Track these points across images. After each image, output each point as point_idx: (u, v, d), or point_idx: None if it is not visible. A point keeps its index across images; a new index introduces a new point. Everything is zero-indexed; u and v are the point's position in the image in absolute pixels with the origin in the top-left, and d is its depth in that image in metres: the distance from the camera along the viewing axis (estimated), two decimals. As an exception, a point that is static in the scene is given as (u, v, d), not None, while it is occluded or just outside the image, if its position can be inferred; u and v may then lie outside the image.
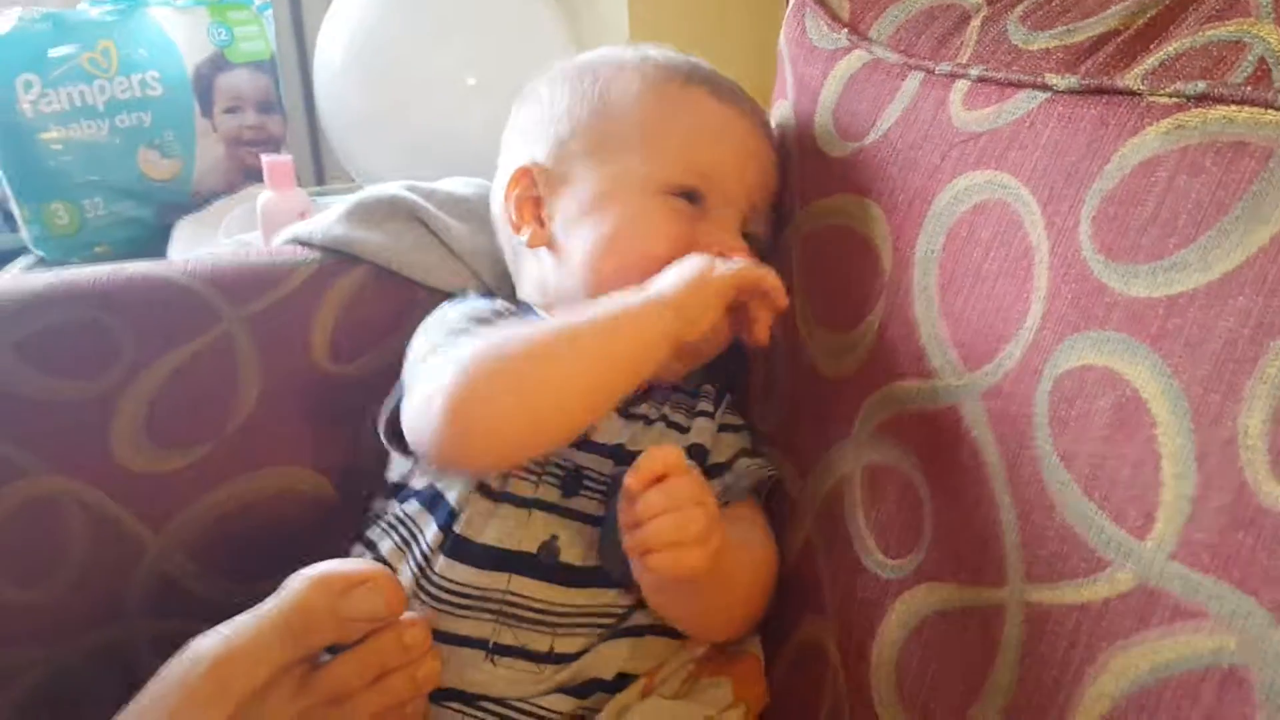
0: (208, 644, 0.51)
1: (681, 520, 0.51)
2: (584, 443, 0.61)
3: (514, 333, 0.56)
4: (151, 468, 0.67)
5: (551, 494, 0.60)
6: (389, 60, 1.16)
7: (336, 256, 0.73)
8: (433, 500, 0.61)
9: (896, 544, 0.53)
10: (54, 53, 1.21)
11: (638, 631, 0.59)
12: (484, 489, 0.60)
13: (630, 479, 0.51)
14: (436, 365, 0.56)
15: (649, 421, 0.64)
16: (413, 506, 0.61)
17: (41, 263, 1.26)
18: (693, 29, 1.19)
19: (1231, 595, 0.37)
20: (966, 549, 0.48)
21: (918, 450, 0.52)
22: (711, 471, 0.63)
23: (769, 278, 0.58)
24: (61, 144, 1.22)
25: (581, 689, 0.57)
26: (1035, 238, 0.48)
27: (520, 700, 0.56)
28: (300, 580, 0.52)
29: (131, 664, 0.68)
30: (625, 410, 0.63)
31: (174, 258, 1.12)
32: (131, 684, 0.68)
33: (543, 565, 0.58)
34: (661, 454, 0.52)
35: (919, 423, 0.52)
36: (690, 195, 0.63)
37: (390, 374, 0.63)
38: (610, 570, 0.58)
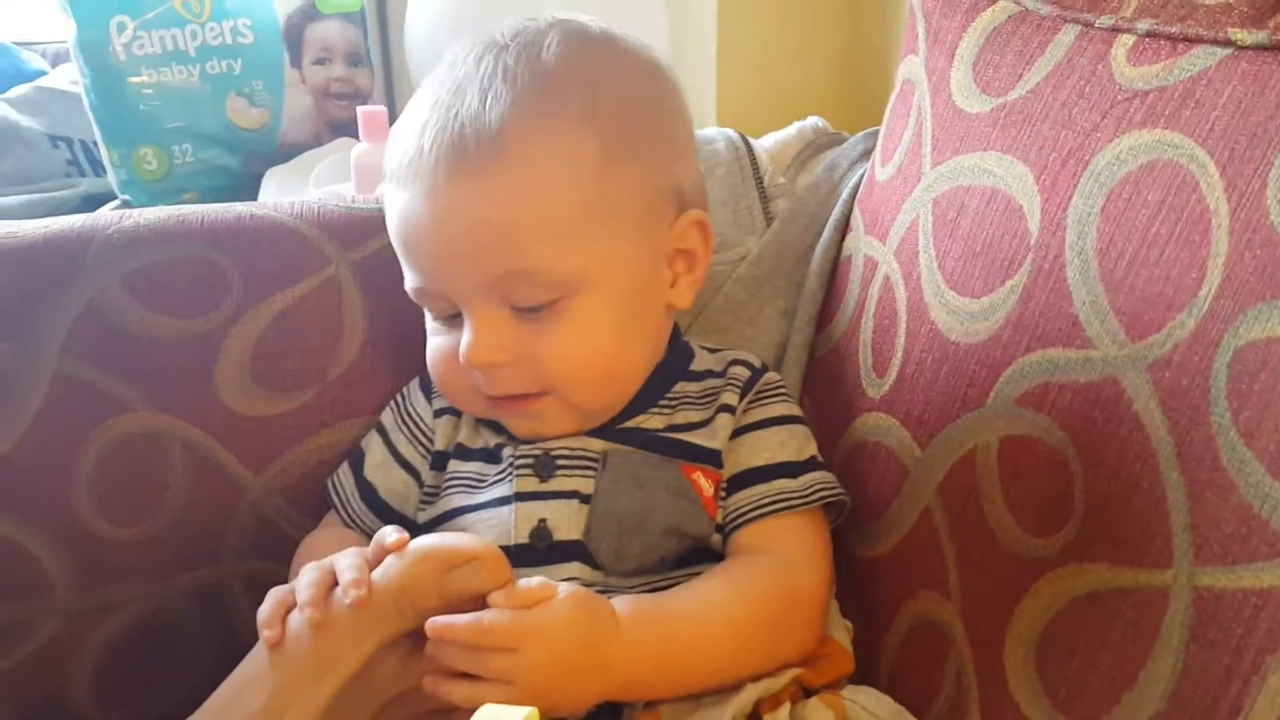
0: (297, 617, 0.49)
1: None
2: (552, 438, 0.60)
3: None
4: (255, 410, 0.67)
5: (529, 483, 0.59)
6: (483, 15, 1.14)
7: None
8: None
9: (1040, 521, 0.50)
10: (148, -4, 1.21)
11: None
12: (464, 510, 0.60)
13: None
14: None
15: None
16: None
17: (128, 207, 1.27)
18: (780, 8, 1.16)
19: None
20: (1125, 529, 0.45)
21: (1068, 423, 0.50)
22: (737, 483, 0.60)
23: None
24: (152, 88, 1.22)
25: None
26: (1213, 201, 0.45)
27: None
28: (408, 555, 0.50)
29: (226, 604, 0.69)
30: (613, 429, 0.61)
31: (263, 206, 1.12)
32: (225, 623, 0.69)
33: (537, 552, 0.56)
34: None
35: (1070, 394, 0.50)
36: (442, 306, 0.59)
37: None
38: (597, 551, 0.57)
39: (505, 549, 0.54)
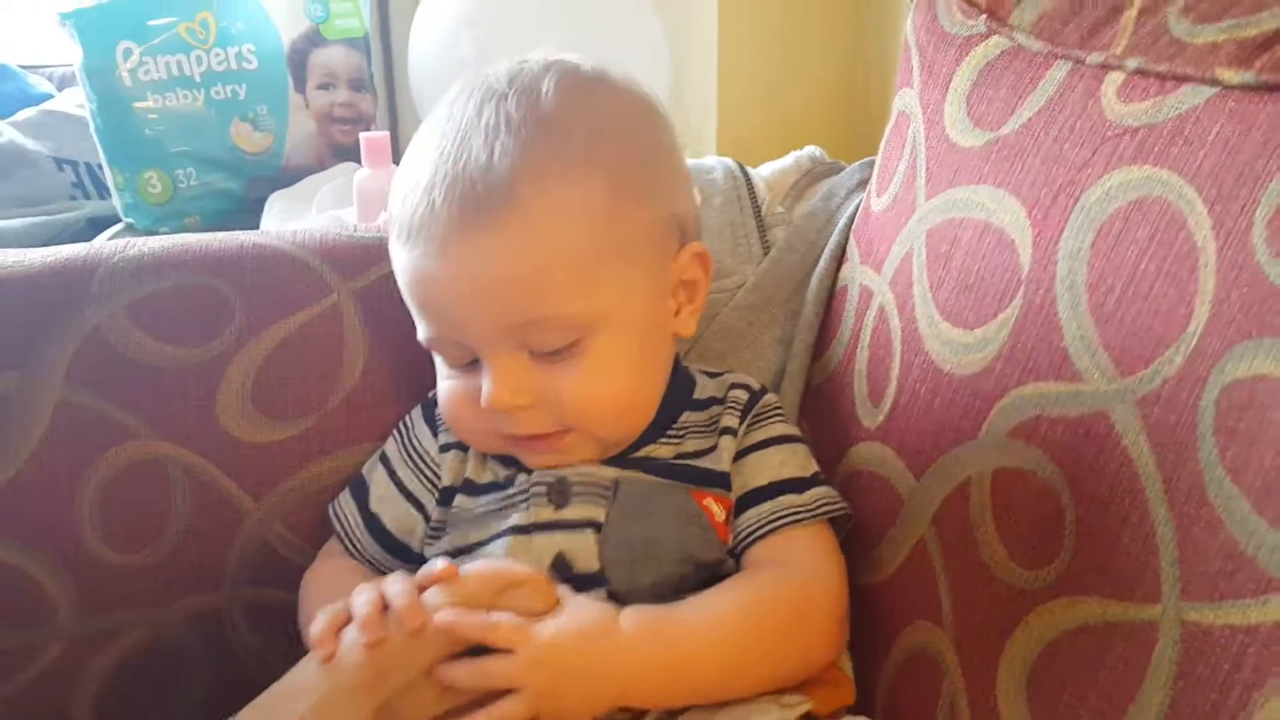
0: (352, 633, 0.51)
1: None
2: (564, 465, 0.61)
3: None
4: (256, 437, 0.67)
5: (544, 512, 0.59)
6: (486, 44, 1.15)
7: (444, 233, 0.73)
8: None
9: (1032, 553, 0.50)
10: (153, 22, 1.22)
11: None
12: (479, 544, 0.60)
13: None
14: None
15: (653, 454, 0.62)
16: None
17: (131, 230, 1.28)
18: (780, 16, 1.17)
19: None
20: (1115, 562, 0.46)
21: (1059, 456, 0.50)
22: (743, 504, 0.61)
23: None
24: (157, 113, 1.24)
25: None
26: (1201, 238, 0.46)
27: None
28: (464, 579, 0.52)
29: (226, 630, 0.69)
30: (625, 458, 0.62)
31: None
32: (225, 649, 0.69)
33: (560, 582, 0.56)
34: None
35: (1061, 427, 0.50)
36: (459, 354, 0.59)
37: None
38: (612, 579, 0.57)
39: None
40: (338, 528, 0.66)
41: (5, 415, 0.63)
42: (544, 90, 0.57)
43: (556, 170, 0.55)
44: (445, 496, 0.64)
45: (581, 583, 0.57)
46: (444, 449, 0.65)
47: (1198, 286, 0.45)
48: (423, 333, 0.60)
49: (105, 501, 0.65)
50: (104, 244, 0.69)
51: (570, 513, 0.59)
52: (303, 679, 0.51)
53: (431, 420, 0.67)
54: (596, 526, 0.58)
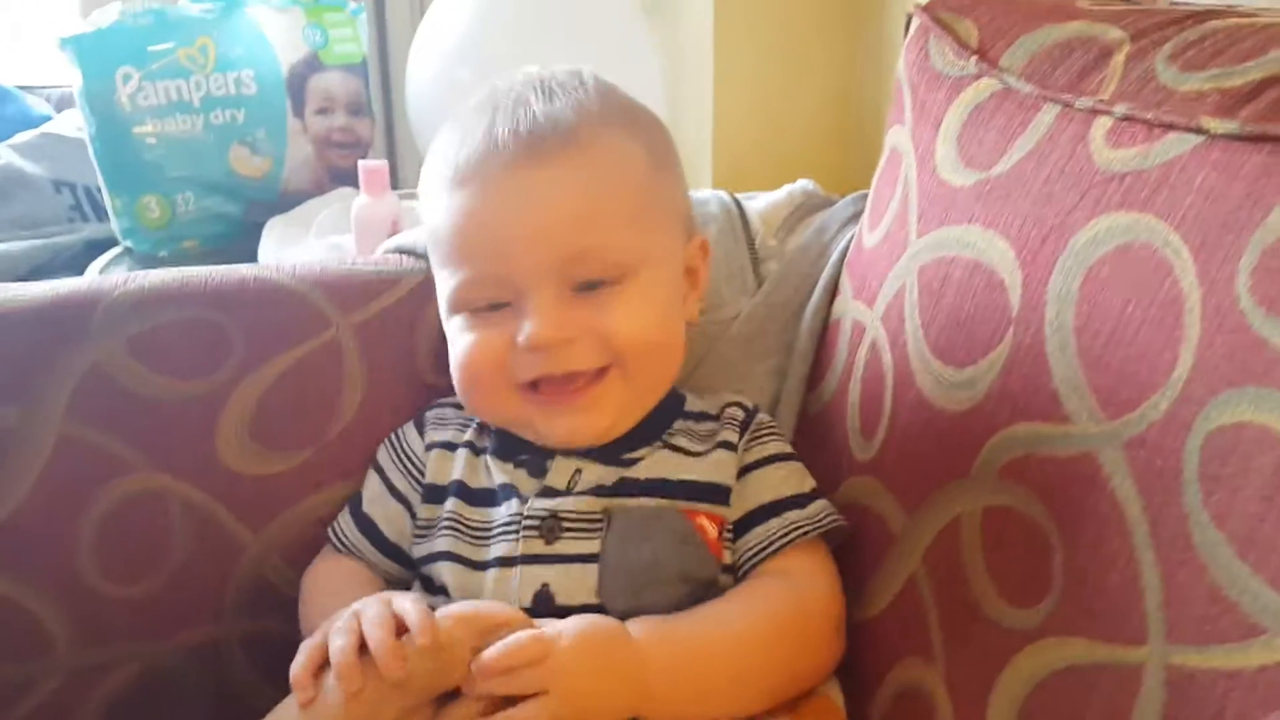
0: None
1: None
2: (557, 492, 0.61)
3: None
4: (254, 470, 0.68)
5: (534, 545, 0.60)
6: (485, 67, 1.16)
7: (442, 267, 0.73)
8: (429, 579, 0.63)
9: (1021, 592, 0.51)
10: (153, 48, 1.23)
11: None
12: (466, 561, 0.61)
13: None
14: None
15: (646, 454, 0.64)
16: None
17: (130, 254, 1.28)
18: (774, 54, 1.18)
19: None
20: (1102, 603, 0.46)
21: (1048, 496, 0.51)
22: (743, 525, 0.62)
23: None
24: (156, 138, 1.24)
25: None
26: (1186, 285, 0.47)
27: None
28: (445, 619, 0.52)
29: (224, 661, 0.70)
30: (617, 458, 0.63)
31: (264, 255, 1.14)
32: (223, 681, 0.70)
33: (539, 616, 0.57)
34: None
35: (1051, 468, 0.51)
36: (493, 305, 0.61)
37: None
38: (612, 607, 0.58)
39: None
40: (332, 537, 0.68)
41: (6, 449, 0.64)
42: (583, 76, 0.64)
43: (608, 128, 0.61)
44: (432, 494, 0.65)
45: (570, 614, 0.57)
46: (429, 447, 0.67)
47: (1183, 333, 0.46)
48: (453, 280, 0.61)
49: (104, 534, 0.65)
50: (105, 278, 0.69)
51: (561, 548, 0.60)
52: (288, 713, 0.51)
53: (420, 424, 0.69)
54: (591, 559, 0.59)
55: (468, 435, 0.67)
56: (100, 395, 0.65)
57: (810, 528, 0.62)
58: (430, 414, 0.70)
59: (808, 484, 0.65)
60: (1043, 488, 0.51)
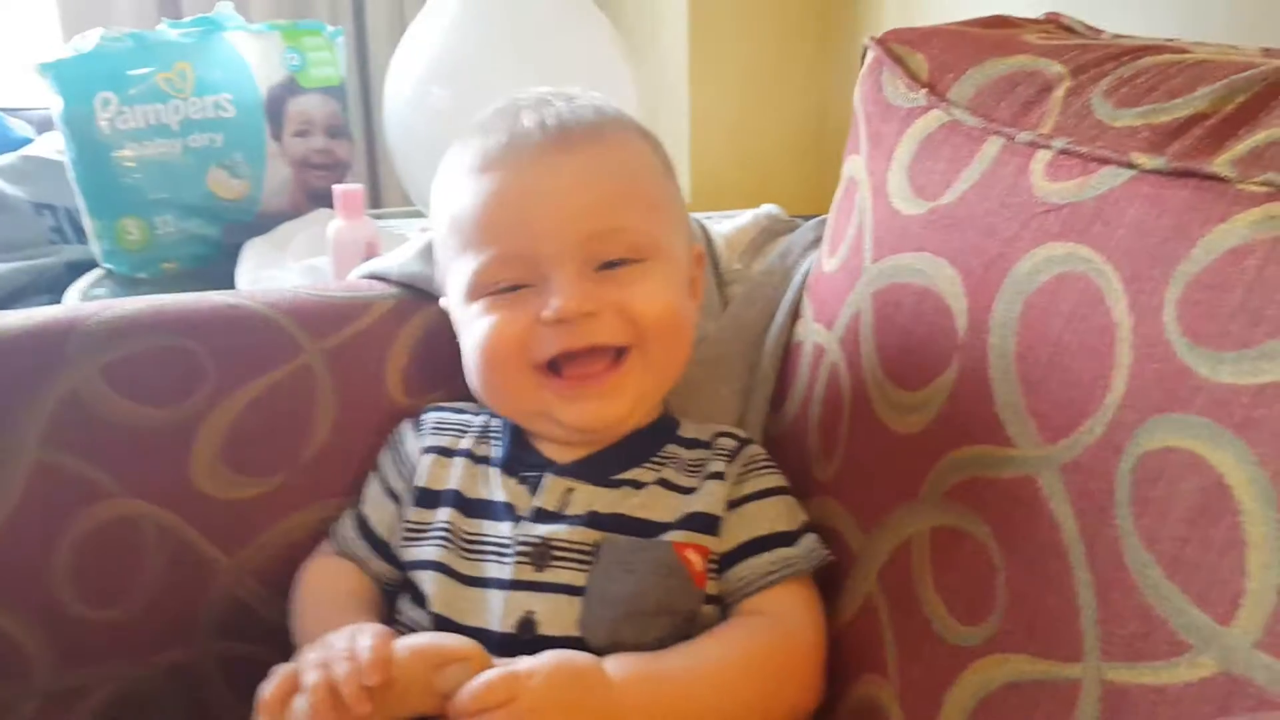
0: (301, 703, 0.52)
1: None
2: (550, 515, 0.62)
3: None
4: (228, 494, 0.69)
5: (524, 571, 0.61)
6: (460, 92, 1.18)
7: (413, 293, 0.75)
8: (414, 585, 0.64)
9: (967, 610, 0.53)
10: (132, 72, 1.24)
11: None
12: (454, 574, 0.62)
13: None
14: None
15: (638, 486, 0.64)
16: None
17: (110, 276, 1.29)
18: (749, 72, 1.21)
19: (1318, 691, 0.37)
20: (1041, 621, 0.48)
21: (991, 517, 0.53)
22: (733, 557, 0.63)
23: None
24: (135, 161, 1.25)
25: None
26: (1118, 314, 0.49)
27: None
28: (400, 651, 0.53)
29: (199, 684, 0.71)
30: (607, 478, 0.64)
31: (242, 277, 1.15)
32: (199, 703, 0.71)
33: (521, 642, 0.58)
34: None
35: (993, 489, 0.53)
36: (513, 287, 0.63)
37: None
38: (592, 640, 0.58)
39: (491, 634, 0.58)
40: (331, 534, 0.70)
41: (-18, 477, 0.65)
42: (590, 94, 0.69)
43: (626, 129, 0.68)
44: (425, 499, 0.66)
45: (549, 645, 0.58)
46: (425, 451, 0.68)
47: (1115, 360, 0.48)
48: (481, 261, 0.63)
49: (80, 559, 0.66)
50: (79, 305, 0.71)
51: (549, 576, 0.60)
52: None
53: (418, 426, 0.70)
54: (578, 591, 0.60)
55: (466, 442, 0.68)
56: (76, 422, 0.67)
57: (802, 565, 0.63)
58: (429, 416, 0.71)
59: (799, 519, 0.66)
60: (986, 509, 0.53)
